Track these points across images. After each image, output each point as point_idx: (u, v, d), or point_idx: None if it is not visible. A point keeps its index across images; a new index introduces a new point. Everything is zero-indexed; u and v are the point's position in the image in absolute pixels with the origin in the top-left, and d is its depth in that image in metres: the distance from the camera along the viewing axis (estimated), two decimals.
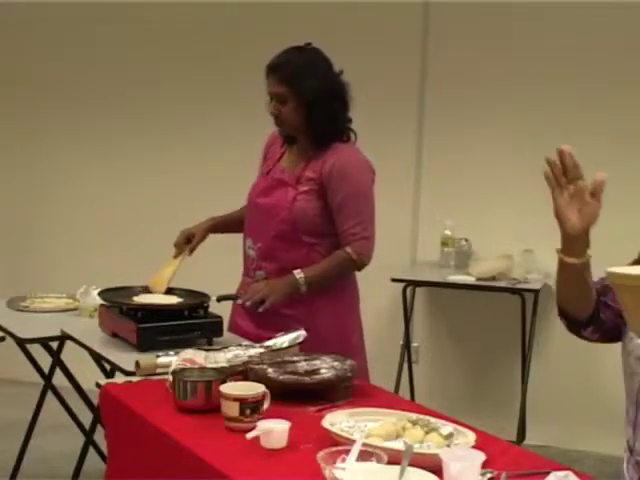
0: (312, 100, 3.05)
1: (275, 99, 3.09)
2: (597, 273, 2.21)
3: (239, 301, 3.12)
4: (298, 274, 3.07)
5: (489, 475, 1.93)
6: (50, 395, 3.99)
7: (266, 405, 2.28)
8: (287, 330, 2.79)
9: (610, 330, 2.14)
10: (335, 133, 3.13)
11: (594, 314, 2.13)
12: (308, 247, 3.13)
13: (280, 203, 3.12)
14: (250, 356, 2.61)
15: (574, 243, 2.00)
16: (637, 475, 2.09)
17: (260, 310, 3.04)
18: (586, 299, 2.10)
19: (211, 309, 3.12)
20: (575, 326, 2.16)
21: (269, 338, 2.75)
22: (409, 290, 4.81)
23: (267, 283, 3.10)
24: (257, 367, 2.50)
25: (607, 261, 1.90)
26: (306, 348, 2.70)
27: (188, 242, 3.32)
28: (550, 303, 4.75)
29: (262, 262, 3.17)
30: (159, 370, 2.65)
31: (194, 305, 3.10)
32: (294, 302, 3.10)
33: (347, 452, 1.91)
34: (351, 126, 3.18)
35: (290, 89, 3.05)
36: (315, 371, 2.49)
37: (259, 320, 3.11)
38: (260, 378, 2.42)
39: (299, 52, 3.12)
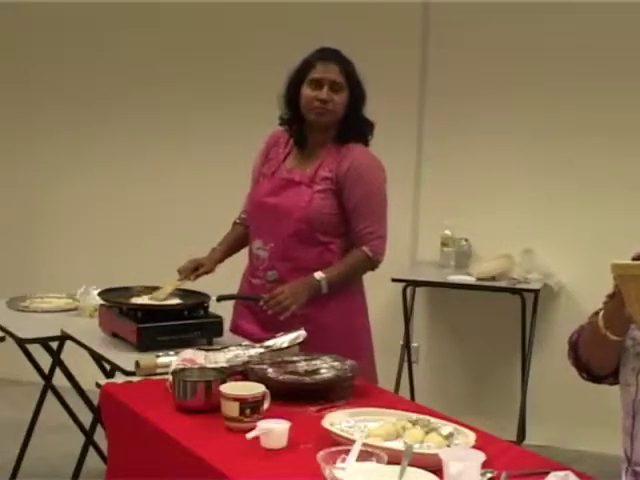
0: (358, 96, 3.13)
1: (330, 86, 3.10)
2: (599, 270, 2.23)
3: (262, 305, 3.06)
4: (319, 276, 3.07)
5: (489, 475, 1.93)
6: (50, 395, 3.98)
7: (266, 405, 2.28)
8: (288, 330, 2.80)
9: None
10: (361, 133, 3.17)
11: (617, 367, 2.20)
12: (323, 246, 3.14)
13: (295, 203, 3.12)
14: (250, 356, 2.61)
15: (626, 327, 2.06)
16: None
17: (282, 318, 3.02)
18: (615, 361, 2.18)
19: (211, 309, 3.12)
20: (596, 379, 2.26)
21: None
22: (409, 290, 4.81)
23: (290, 288, 3.06)
24: (257, 367, 2.50)
25: (608, 260, 1.93)
26: (315, 348, 2.69)
27: (194, 270, 3.29)
28: (550, 303, 4.75)
29: (275, 262, 3.16)
30: (159, 370, 2.65)
31: (194, 305, 3.10)
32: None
33: (347, 452, 1.91)
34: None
35: (348, 82, 3.11)
36: (315, 371, 2.49)
37: (265, 322, 3.09)
38: (260, 378, 2.42)
39: (340, 52, 3.18)
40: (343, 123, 3.14)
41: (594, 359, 2.19)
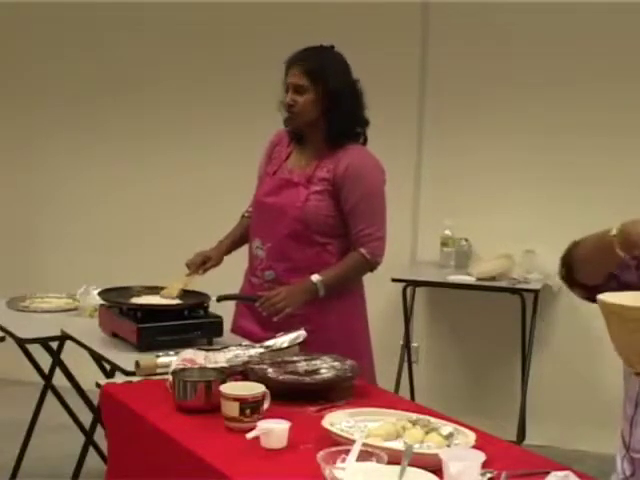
0: (332, 95, 3.07)
1: (293, 90, 3.09)
2: None
3: (257, 304, 3.09)
4: (316, 279, 3.07)
5: (489, 475, 1.93)
6: (50, 395, 3.98)
7: (266, 405, 2.28)
8: (288, 330, 2.80)
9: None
10: (351, 133, 3.14)
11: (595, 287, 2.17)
12: (320, 247, 3.13)
13: (291, 203, 3.12)
14: (250, 356, 2.61)
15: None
16: (631, 469, 2.10)
17: (275, 319, 3.03)
18: (598, 276, 2.16)
19: (211, 309, 3.12)
20: (571, 285, 2.22)
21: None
22: (409, 290, 4.81)
23: (286, 291, 3.06)
24: (257, 367, 2.50)
25: None
26: (314, 348, 2.69)
27: (203, 264, 3.30)
28: (550, 303, 4.75)
29: (272, 262, 3.16)
30: (159, 370, 2.65)
31: (194, 305, 3.10)
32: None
33: (347, 452, 1.91)
34: (365, 129, 3.20)
35: (313, 81, 3.06)
36: (315, 371, 2.49)
37: (266, 322, 3.09)
38: (260, 378, 2.42)
39: (323, 50, 3.15)
40: (328, 122, 3.11)
41: (584, 262, 2.17)
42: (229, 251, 3.38)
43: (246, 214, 3.40)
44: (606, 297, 1.91)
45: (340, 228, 3.13)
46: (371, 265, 3.16)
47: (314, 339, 2.78)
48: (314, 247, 3.13)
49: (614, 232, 2.02)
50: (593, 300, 2.21)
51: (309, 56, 3.12)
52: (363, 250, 3.11)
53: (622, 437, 2.14)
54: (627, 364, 1.92)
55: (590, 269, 2.18)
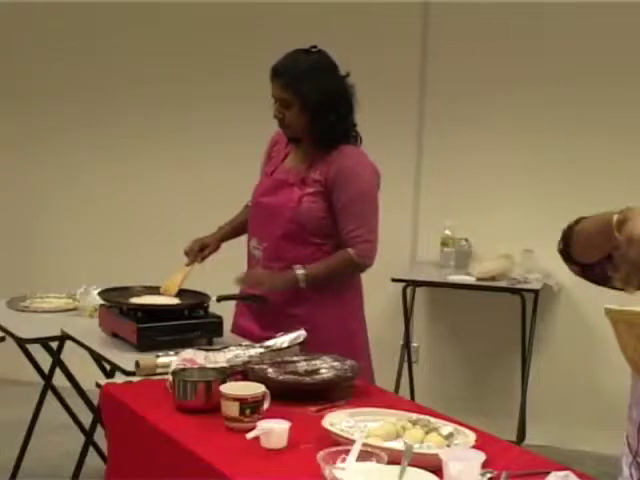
0: (315, 104, 3.05)
1: (279, 103, 3.09)
2: None
3: (237, 279, 3.13)
4: (298, 270, 3.08)
5: (489, 475, 1.93)
6: (50, 395, 3.99)
7: (266, 405, 2.28)
8: (288, 330, 2.80)
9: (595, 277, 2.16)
10: (340, 136, 3.12)
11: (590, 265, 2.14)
12: (315, 247, 3.13)
13: (286, 203, 3.12)
14: (250, 356, 2.61)
15: None
16: (638, 474, 2.09)
17: (258, 304, 3.04)
18: (592, 255, 2.10)
19: (211, 309, 3.12)
20: (567, 259, 2.18)
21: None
22: (409, 290, 4.81)
23: (268, 274, 3.11)
24: (257, 367, 2.50)
25: None
26: (311, 348, 2.70)
27: (200, 251, 3.32)
28: (550, 303, 4.75)
29: (268, 262, 3.16)
30: (159, 370, 2.65)
31: (194, 305, 3.10)
32: (300, 301, 3.11)
33: (347, 452, 1.91)
34: (356, 129, 3.18)
35: (293, 94, 3.04)
36: (315, 371, 2.49)
37: (264, 321, 3.10)
38: (260, 378, 2.42)
39: (304, 55, 3.10)
40: (316, 129, 3.09)
41: (582, 247, 2.12)
42: (227, 238, 3.40)
43: (249, 204, 3.40)
44: (613, 305, 1.91)
45: (335, 229, 3.13)
46: (359, 267, 3.14)
47: (311, 339, 2.78)
48: (309, 247, 3.13)
49: (617, 213, 2.00)
50: (586, 278, 2.22)
51: (288, 67, 3.08)
52: (352, 251, 3.09)
53: (628, 442, 2.12)
54: (637, 372, 1.91)
55: (586, 246, 2.15)
